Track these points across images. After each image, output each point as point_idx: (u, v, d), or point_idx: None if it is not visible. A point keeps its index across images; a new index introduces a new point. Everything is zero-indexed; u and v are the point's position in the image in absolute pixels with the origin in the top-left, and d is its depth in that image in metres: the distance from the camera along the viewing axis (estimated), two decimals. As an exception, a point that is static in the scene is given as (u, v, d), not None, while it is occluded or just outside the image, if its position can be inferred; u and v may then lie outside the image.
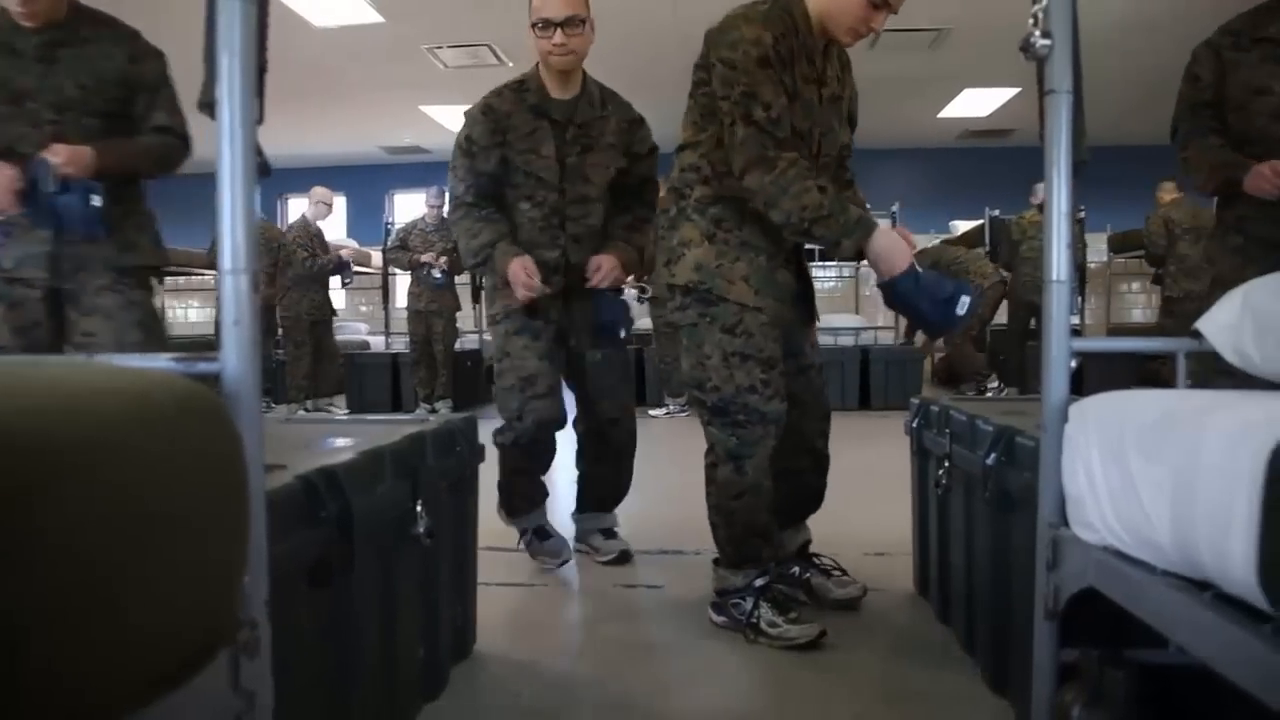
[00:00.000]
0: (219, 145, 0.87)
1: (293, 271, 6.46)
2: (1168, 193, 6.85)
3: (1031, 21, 1.23)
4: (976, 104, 8.15)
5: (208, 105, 0.90)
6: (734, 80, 1.90)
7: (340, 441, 1.58)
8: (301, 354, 6.60)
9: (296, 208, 11.15)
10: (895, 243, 1.89)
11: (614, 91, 2.62)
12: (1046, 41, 1.22)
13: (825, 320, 7.19)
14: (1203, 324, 1.23)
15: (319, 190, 6.68)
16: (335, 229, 10.71)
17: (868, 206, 2.23)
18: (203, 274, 9.79)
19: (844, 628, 2.09)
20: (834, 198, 1.87)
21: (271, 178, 1.01)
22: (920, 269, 1.90)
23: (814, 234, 1.89)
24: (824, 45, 2.02)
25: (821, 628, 1.99)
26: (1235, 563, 0.83)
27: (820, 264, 7.43)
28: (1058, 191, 1.25)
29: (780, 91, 1.90)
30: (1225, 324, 1.17)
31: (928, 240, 9.60)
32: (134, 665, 0.61)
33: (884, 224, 2.01)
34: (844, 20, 1.94)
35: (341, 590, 1.27)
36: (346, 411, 6.74)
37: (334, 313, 7.00)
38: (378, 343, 8.33)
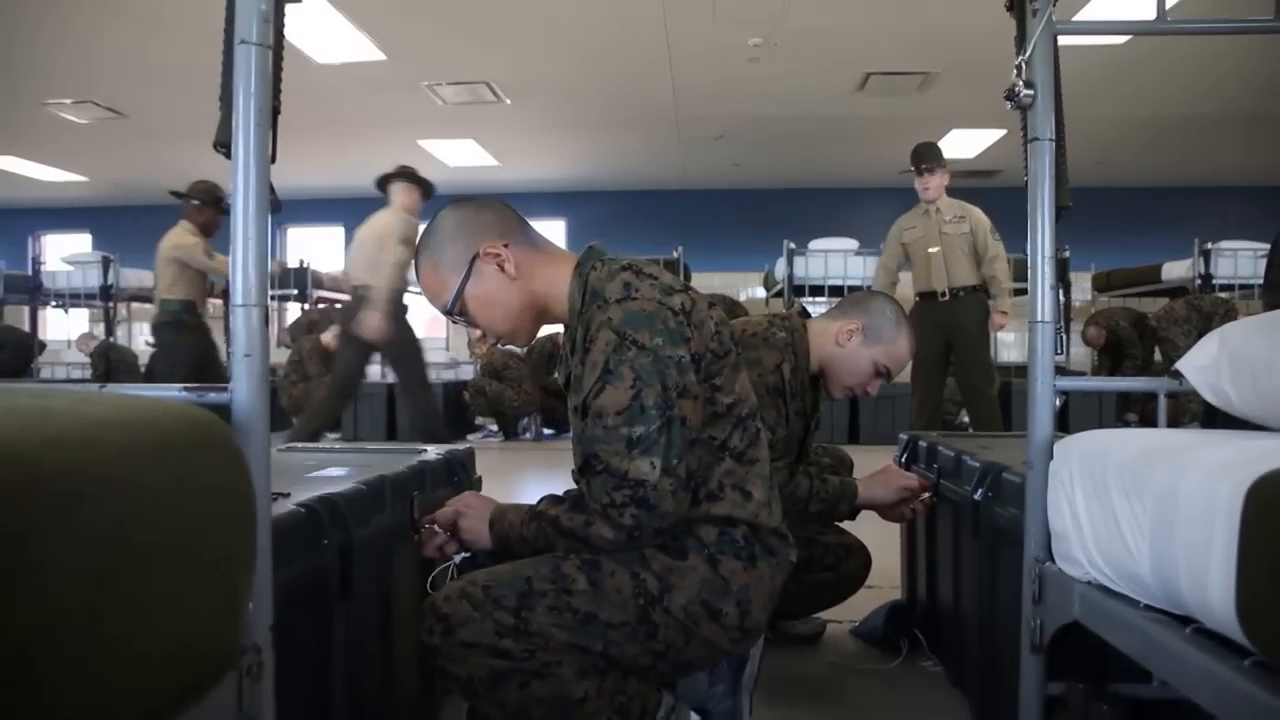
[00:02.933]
0: (234, 184, 0.90)
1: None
2: None
3: (1015, 72, 1.28)
4: (964, 145, 8.24)
5: (223, 145, 0.93)
6: None
7: (339, 471, 1.60)
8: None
9: (295, 238, 11.20)
10: (880, 479, 2.00)
11: None
12: (1030, 91, 1.27)
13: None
14: (1182, 365, 1.26)
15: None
16: (332, 261, 10.73)
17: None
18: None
19: (832, 660, 2.09)
20: (816, 478, 1.94)
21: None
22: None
23: (810, 509, 1.93)
24: (812, 378, 2.03)
25: (822, 623, 2.26)
26: (1214, 598, 0.85)
27: (810, 299, 7.47)
28: (1041, 236, 1.29)
29: (781, 420, 1.91)
30: (1203, 365, 1.20)
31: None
32: (141, 689, 0.62)
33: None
34: (847, 379, 1.99)
35: (339, 619, 1.28)
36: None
37: None
38: (373, 371, 8.31)
